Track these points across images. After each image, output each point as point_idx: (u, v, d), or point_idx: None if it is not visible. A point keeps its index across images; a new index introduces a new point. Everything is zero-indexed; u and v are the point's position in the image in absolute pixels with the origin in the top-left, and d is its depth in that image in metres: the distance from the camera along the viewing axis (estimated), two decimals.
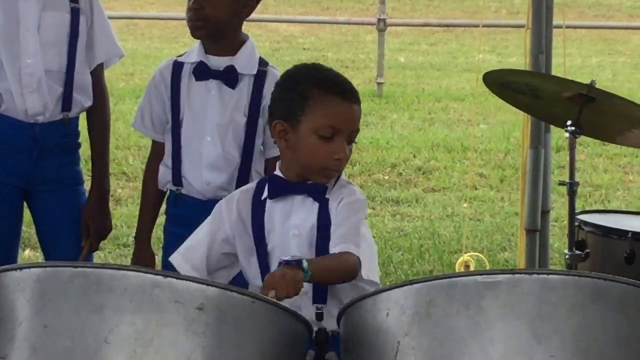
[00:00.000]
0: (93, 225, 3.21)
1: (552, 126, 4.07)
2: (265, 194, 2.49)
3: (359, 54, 12.08)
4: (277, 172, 2.52)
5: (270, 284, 2.22)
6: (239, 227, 2.49)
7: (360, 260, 2.36)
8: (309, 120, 2.42)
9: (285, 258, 2.28)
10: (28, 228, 3.56)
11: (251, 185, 2.57)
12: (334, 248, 2.38)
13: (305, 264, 2.26)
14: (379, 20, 10.03)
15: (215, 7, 2.94)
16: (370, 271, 2.42)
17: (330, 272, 2.34)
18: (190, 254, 2.53)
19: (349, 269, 2.36)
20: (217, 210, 2.54)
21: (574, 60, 10.22)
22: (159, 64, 3.16)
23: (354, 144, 2.48)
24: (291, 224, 2.44)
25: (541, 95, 3.44)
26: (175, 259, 2.55)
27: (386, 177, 6.85)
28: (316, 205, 2.44)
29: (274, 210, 2.46)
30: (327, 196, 2.44)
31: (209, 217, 2.56)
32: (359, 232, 2.40)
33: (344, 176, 2.52)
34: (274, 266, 2.42)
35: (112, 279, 2.00)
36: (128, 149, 6.91)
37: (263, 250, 2.47)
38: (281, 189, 2.47)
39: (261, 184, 2.53)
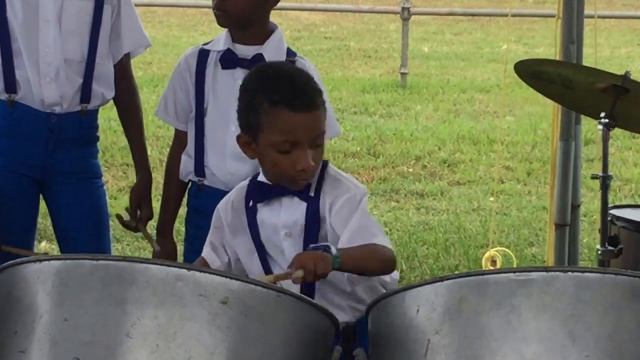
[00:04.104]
0: (145, 209, 3.18)
1: (582, 118, 4.00)
2: (251, 202, 2.48)
3: (382, 44, 12.03)
4: (260, 177, 2.49)
5: (298, 263, 2.23)
6: (238, 227, 2.48)
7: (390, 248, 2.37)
8: (264, 137, 2.39)
9: (313, 245, 2.30)
10: (44, 220, 3.54)
11: (244, 184, 2.54)
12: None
13: (333, 249, 2.26)
14: (403, 9, 9.98)
15: None
16: None
17: (362, 261, 2.32)
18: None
19: (385, 259, 2.35)
20: (216, 217, 2.54)
21: (602, 51, 10.15)
22: (177, 52, 3.14)
23: (321, 146, 2.40)
24: (281, 225, 2.43)
25: (573, 86, 3.38)
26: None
27: (410, 170, 6.80)
28: (303, 204, 2.42)
29: (264, 213, 2.45)
30: (312, 194, 2.42)
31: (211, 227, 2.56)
32: (374, 225, 2.39)
33: (333, 168, 2.48)
34: (273, 265, 2.43)
35: (134, 272, 1.98)
36: (146, 139, 6.85)
37: (262, 250, 2.46)
38: (266, 192, 2.46)
39: (251, 185, 2.51)
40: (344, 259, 2.27)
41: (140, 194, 3.21)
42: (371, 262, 2.34)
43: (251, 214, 2.46)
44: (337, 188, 2.41)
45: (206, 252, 2.54)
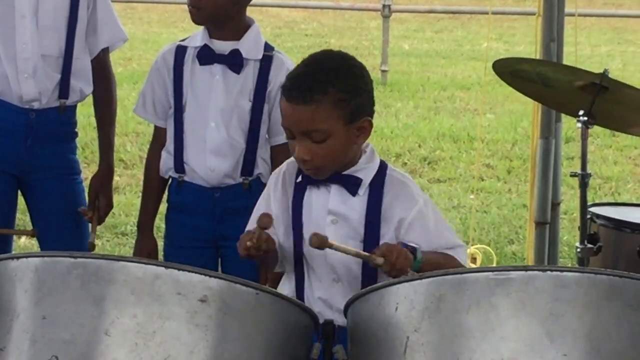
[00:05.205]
0: (102, 198, 3.20)
1: (562, 116, 4.01)
2: (300, 178, 2.46)
3: (362, 41, 12.03)
4: None
5: (382, 252, 2.25)
6: (284, 202, 2.47)
7: (464, 258, 2.41)
8: None
9: (404, 242, 2.33)
10: (23, 215, 3.52)
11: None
12: None
13: (420, 253, 2.31)
14: (384, 6, 9.98)
15: None
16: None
17: (436, 268, 2.32)
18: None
19: None
20: (268, 186, 2.54)
21: (583, 49, 10.17)
22: (157, 48, 3.11)
23: (325, 143, 2.35)
24: (327, 212, 2.42)
25: (552, 84, 3.39)
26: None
27: None
28: (352, 198, 2.41)
29: (312, 195, 2.44)
30: (361, 192, 2.40)
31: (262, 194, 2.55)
32: (451, 231, 2.41)
33: (397, 171, 2.48)
34: (305, 247, 2.42)
35: (112, 270, 1.96)
36: (126, 136, 6.85)
37: (299, 228, 2.44)
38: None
39: None
40: (424, 265, 2.31)
41: (98, 183, 3.22)
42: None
43: (299, 190, 2.45)
44: (402, 196, 2.41)
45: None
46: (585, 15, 11.23)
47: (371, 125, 2.41)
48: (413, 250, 2.30)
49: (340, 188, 2.41)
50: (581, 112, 3.25)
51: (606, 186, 6.39)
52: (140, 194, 3.21)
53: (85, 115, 3.29)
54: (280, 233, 2.45)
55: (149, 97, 3.06)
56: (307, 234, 2.41)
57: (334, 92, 2.33)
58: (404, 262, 2.25)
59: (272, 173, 2.56)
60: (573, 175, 3.33)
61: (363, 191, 2.41)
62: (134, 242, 3.24)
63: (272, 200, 2.48)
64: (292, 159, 2.48)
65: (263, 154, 2.99)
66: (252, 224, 2.44)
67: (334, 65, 2.38)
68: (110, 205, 3.25)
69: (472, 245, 4.60)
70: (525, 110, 7.58)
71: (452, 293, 1.96)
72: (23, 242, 4.85)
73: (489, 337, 1.92)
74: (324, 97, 2.33)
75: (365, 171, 2.42)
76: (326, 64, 2.39)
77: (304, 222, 2.43)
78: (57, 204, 3.18)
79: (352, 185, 2.41)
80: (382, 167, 2.45)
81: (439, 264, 2.32)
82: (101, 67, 3.22)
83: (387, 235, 2.39)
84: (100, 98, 3.24)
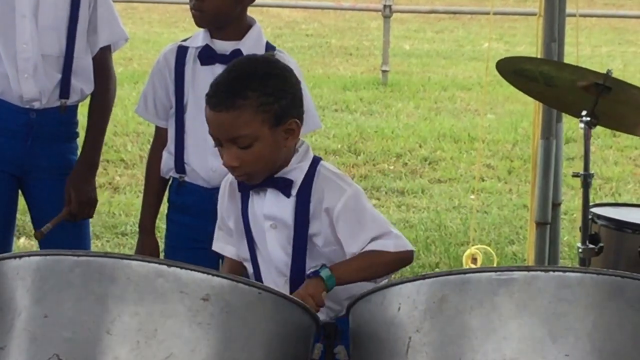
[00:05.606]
0: (75, 193, 3.14)
1: (563, 117, 4.01)
2: (237, 187, 2.48)
3: (363, 41, 12.03)
4: None
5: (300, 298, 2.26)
6: (231, 209, 2.49)
7: (396, 242, 2.38)
8: None
9: (310, 271, 2.33)
10: (23, 216, 3.51)
11: None
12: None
13: (324, 273, 2.30)
14: (385, 6, 9.98)
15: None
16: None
17: (361, 272, 2.35)
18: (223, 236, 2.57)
19: (389, 261, 2.38)
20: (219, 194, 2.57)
21: (583, 50, 10.17)
22: (158, 49, 3.11)
23: (251, 148, 2.35)
24: (265, 216, 2.43)
25: (555, 84, 3.39)
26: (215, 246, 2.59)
27: (391, 167, 6.80)
28: (287, 200, 2.41)
29: (254, 199, 2.46)
30: (294, 192, 2.40)
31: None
32: (372, 225, 2.38)
33: (328, 166, 2.46)
34: (258, 253, 2.44)
35: (115, 268, 1.97)
36: (127, 136, 6.82)
37: (250, 235, 2.47)
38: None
39: None
40: (339, 275, 2.32)
41: (72, 178, 3.16)
42: (372, 269, 2.35)
43: (244, 197, 2.46)
44: (329, 190, 2.40)
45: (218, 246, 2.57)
46: (586, 16, 11.23)
47: (299, 126, 2.40)
48: (316, 273, 2.31)
49: (275, 191, 2.42)
50: (584, 113, 3.25)
51: (607, 187, 6.40)
52: (141, 194, 3.20)
53: (86, 116, 3.27)
54: (236, 243, 2.49)
55: (151, 97, 3.06)
56: (257, 240, 2.44)
57: (255, 97, 2.33)
58: (312, 300, 2.25)
59: (222, 181, 2.57)
60: (575, 175, 3.33)
61: (295, 192, 2.41)
62: (134, 242, 3.24)
63: (222, 210, 2.52)
64: None
65: None
66: (218, 226, 2.52)
67: (254, 70, 2.38)
68: (83, 199, 3.16)
69: (472, 245, 4.59)
70: (526, 111, 7.58)
71: (454, 293, 1.97)
72: (22, 243, 4.85)
73: (492, 337, 1.93)
74: (245, 102, 2.33)
75: (296, 171, 2.41)
76: (246, 70, 2.39)
77: (251, 228, 2.45)
78: (57, 204, 3.16)
79: (284, 187, 2.41)
80: (314, 164, 2.44)
81: (358, 265, 2.34)
82: (100, 65, 3.20)
83: (322, 233, 2.39)
84: (97, 96, 3.22)
